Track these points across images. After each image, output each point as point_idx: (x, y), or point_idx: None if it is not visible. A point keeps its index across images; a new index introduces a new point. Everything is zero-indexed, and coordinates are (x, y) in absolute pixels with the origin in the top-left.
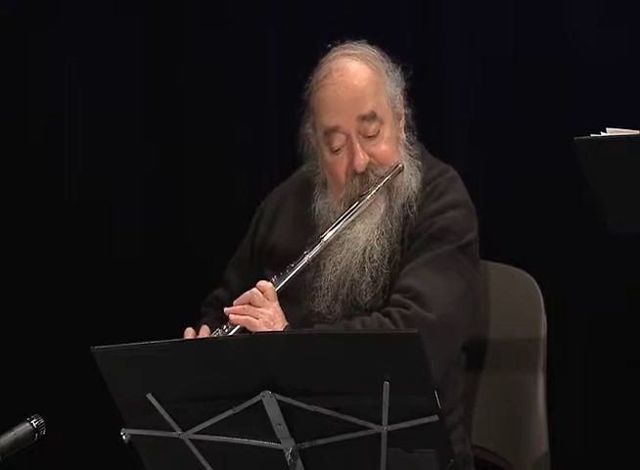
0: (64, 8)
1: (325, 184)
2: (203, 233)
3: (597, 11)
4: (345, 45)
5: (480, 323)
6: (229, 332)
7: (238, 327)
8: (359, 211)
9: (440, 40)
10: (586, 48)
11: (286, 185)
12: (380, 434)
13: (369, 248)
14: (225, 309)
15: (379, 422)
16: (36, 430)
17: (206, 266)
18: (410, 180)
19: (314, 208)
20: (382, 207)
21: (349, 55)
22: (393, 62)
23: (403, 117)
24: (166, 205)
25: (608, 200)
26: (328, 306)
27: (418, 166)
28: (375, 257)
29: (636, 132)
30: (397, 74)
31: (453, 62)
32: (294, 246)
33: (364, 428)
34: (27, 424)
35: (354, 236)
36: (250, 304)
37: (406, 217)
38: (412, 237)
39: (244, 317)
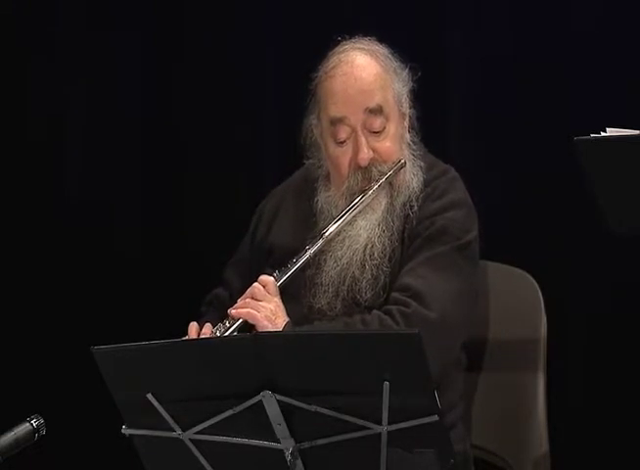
0: (64, 8)
1: (327, 177)
2: (203, 233)
3: (597, 11)
4: (355, 39)
5: (479, 323)
6: (230, 326)
7: (239, 322)
8: (361, 206)
9: (440, 40)
10: (586, 48)
11: (285, 185)
12: (380, 434)
13: (370, 245)
14: (229, 311)
15: (379, 422)
16: (36, 430)
17: (206, 266)
18: (412, 180)
19: (316, 201)
20: (383, 203)
21: (359, 49)
22: (401, 62)
23: (408, 118)
24: (166, 205)
25: (608, 200)
26: (329, 303)
27: (420, 167)
28: (375, 254)
29: (636, 132)
30: (405, 74)
31: (453, 62)
32: (294, 243)
33: (364, 428)
34: (27, 424)
35: (356, 233)
36: (251, 298)
37: (407, 217)
38: (412, 236)
39: (245, 310)
